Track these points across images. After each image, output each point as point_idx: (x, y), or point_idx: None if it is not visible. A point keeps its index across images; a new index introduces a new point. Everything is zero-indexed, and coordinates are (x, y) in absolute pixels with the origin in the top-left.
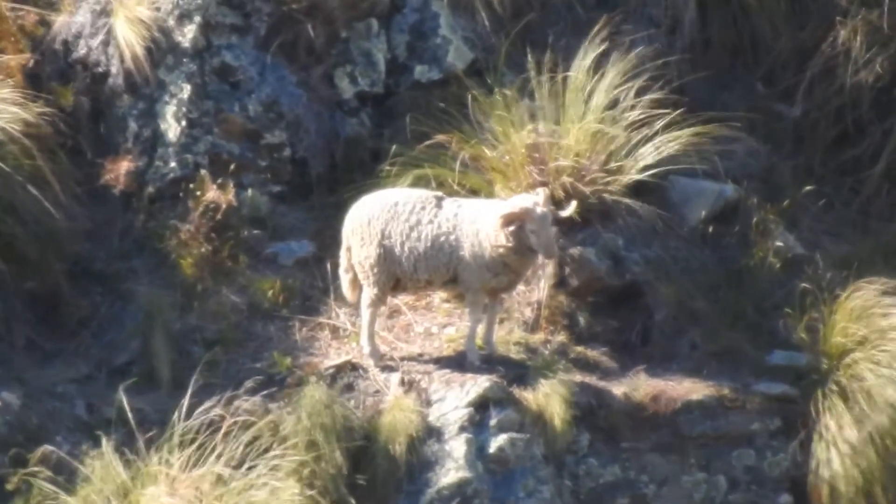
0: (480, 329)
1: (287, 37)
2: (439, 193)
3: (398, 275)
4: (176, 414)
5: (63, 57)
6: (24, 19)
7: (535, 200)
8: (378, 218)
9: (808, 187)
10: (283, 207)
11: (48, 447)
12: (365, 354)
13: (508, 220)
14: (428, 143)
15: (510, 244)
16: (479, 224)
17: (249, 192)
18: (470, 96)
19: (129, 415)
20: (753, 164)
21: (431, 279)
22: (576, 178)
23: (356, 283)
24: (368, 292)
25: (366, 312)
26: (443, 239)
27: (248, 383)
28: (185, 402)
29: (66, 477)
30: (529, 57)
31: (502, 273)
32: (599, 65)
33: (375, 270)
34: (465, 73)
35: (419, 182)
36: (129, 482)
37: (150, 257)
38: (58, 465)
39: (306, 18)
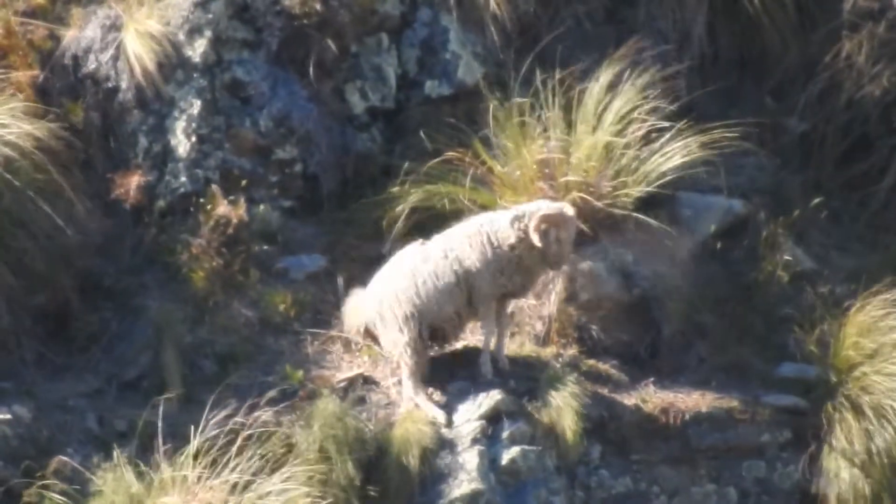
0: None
1: (298, 52)
2: (419, 240)
3: (431, 323)
4: (190, 427)
5: (73, 72)
6: (34, 34)
7: (568, 209)
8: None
9: (816, 201)
10: (293, 222)
11: (61, 458)
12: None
13: (548, 220)
14: (439, 159)
15: (544, 246)
16: (494, 225)
17: (260, 207)
18: (490, 108)
19: (143, 427)
20: (762, 179)
21: (458, 309)
22: (586, 193)
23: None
24: (407, 365)
25: (410, 382)
26: (443, 265)
27: (268, 394)
28: (201, 414)
29: (79, 489)
30: (538, 72)
31: (516, 273)
32: (610, 79)
33: (411, 347)
34: (476, 88)
35: (430, 198)
36: (142, 493)
37: (161, 272)
38: (70, 477)
39: (317, 33)
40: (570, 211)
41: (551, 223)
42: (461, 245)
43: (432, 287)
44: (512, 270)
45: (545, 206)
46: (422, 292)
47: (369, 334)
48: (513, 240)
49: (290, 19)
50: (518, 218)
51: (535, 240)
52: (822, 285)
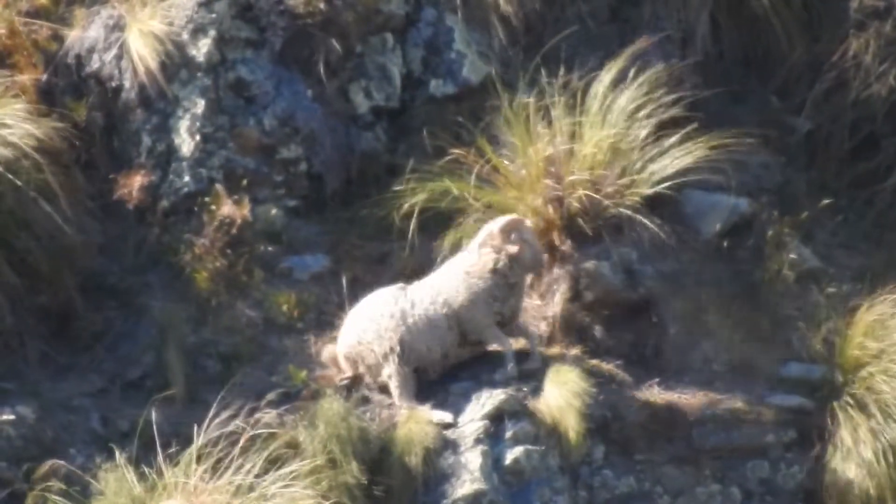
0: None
1: (302, 51)
2: (399, 284)
3: (416, 364)
4: (194, 427)
5: (76, 71)
6: (38, 34)
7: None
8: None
9: (822, 201)
10: (297, 222)
11: (58, 461)
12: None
13: (508, 228)
14: (446, 159)
15: (519, 250)
16: (465, 262)
17: (264, 206)
18: (496, 106)
19: (145, 428)
20: (768, 178)
21: (445, 351)
22: (592, 191)
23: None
24: (396, 387)
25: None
26: (433, 310)
27: (268, 396)
28: (204, 414)
29: (80, 490)
30: (543, 70)
31: (509, 296)
32: (615, 77)
33: (395, 375)
34: (480, 87)
35: (435, 197)
36: (144, 495)
37: (165, 271)
38: (71, 478)
39: (321, 33)
40: (517, 216)
41: (511, 229)
42: (447, 289)
43: (424, 329)
44: (504, 293)
45: (496, 221)
46: (413, 332)
47: (351, 366)
48: (490, 264)
49: (293, 19)
50: (482, 244)
51: (511, 248)
52: (828, 284)
